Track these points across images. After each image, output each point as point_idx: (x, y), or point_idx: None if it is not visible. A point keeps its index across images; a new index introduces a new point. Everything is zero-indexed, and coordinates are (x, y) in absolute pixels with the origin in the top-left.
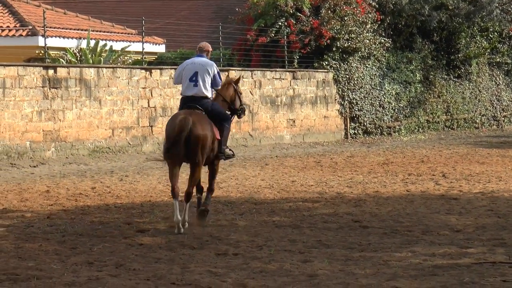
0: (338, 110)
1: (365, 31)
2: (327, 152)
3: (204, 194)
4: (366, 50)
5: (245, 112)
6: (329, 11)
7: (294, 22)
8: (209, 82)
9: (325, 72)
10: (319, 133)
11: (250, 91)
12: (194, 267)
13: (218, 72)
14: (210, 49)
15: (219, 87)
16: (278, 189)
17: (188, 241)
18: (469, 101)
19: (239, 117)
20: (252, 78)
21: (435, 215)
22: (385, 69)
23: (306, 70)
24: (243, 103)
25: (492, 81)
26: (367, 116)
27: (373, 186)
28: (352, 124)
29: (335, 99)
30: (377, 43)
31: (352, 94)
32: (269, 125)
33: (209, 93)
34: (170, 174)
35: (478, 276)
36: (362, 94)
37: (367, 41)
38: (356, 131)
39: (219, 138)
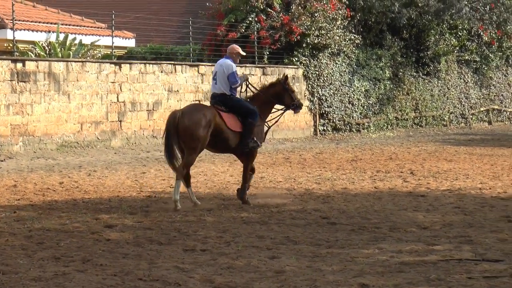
0: (308, 106)
1: (335, 28)
2: (296, 149)
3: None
4: (336, 47)
5: (300, 107)
6: (300, 7)
7: (265, 17)
8: (226, 81)
9: (295, 68)
10: (288, 129)
11: None
12: (161, 263)
13: (232, 72)
14: (235, 51)
15: (235, 85)
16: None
17: (156, 236)
18: (437, 99)
19: (294, 111)
20: None
21: (403, 212)
22: (355, 66)
23: (276, 66)
24: (295, 99)
25: (460, 79)
26: (336, 113)
27: (342, 183)
28: (321, 120)
29: (305, 96)
30: (347, 39)
31: (321, 91)
32: None
33: (226, 90)
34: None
35: (444, 273)
36: (332, 91)
37: (337, 37)
38: (325, 128)
39: (238, 130)
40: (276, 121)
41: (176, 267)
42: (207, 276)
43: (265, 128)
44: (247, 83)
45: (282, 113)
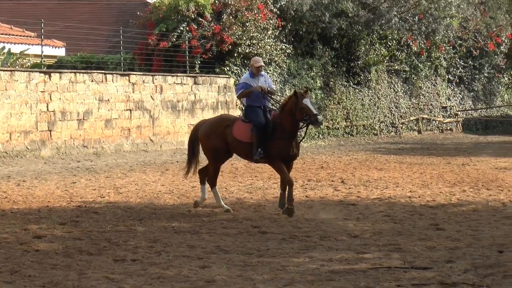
0: (239, 116)
1: (266, 37)
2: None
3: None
4: (268, 56)
5: (318, 122)
6: (231, 17)
7: (196, 27)
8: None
9: (226, 77)
10: None
11: (151, 96)
12: (91, 273)
13: (239, 83)
14: (255, 64)
15: (236, 95)
16: (178, 195)
17: (86, 247)
18: (368, 108)
19: (314, 126)
20: (153, 83)
21: (333, 221)
22: (286, 75)
23: (208, 75)
24: (306, 115)
25: (390, 88)
26: None
27: (273, 192)
28: None
29: (236, 105)
30: (278, 49)
31: None
32: (170, 130)
33: (244, 101)
34: None
35: (374, 281)
36: None
37: (268, 47)
38: None
39: (247, 141)
40: (303, 137)
41: (106, 278)
42: (138, 286)
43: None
44: (261, 93)
45: (303, 127)
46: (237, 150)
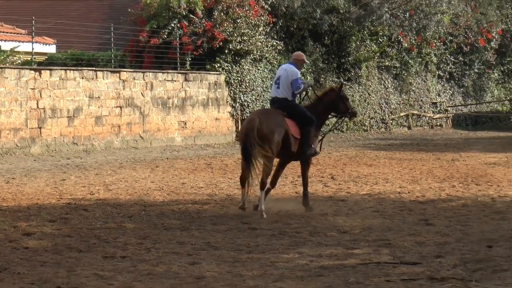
0: (230, 112)
1: (257, 34)
2: (218, 154)
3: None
4: (258, 53)
5: (356, 115)
6: (222, 13)
7: (187, 24)
8: (289, 85)
9: (217, 74)
10: (210, 135)
11: (141, 93)
12: (80, 270)
13: (296, 78)
14: (300, 58)
15: (298, 91)
16: (168, 191)
17: (75, 244)
18: (358, 104)
19: (350, 119)
20: (144, 80)
21: (323, 217)
22: None
23: (198, 72)
24: (350, 107)
25: (381, 84)
26: None
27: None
28: None
29: (227, 101)
30: (269, 45)
31: (243, 97)
32: (160, 127)
33: (289, 95)
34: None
35: (363, 277)
36: (254, 97)
37: (259, 43)
38: None
39: (298, 137)
40: (331, 129)
41: (95, 275)
42: (127, 283)
43: (319, 137)
44: (309, 89)
45: (338, 121)
46: (289, 148)
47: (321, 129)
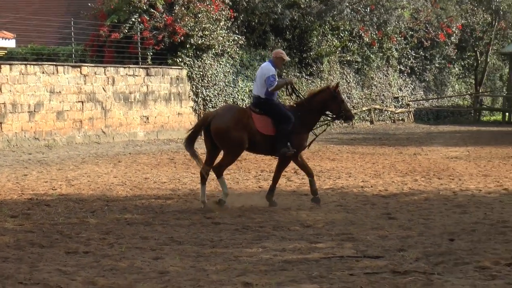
0: (192, 107)
1: (218, 28)
2: (181, 149)
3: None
4: (220, 47)
5: (351, 118)
6: (183, 8)
7: (148, 18)
8: (263, 83)
9: (179, 69)
10: (173, 130)
11: (103, 88)
12: (42, 266)
13: (269, 76)
14: (277, 55)
15: (271, 88)
16: (131, 186)
17: (38, 239)
18: None
19: (344, 122)
20: (105, 75)
21: (286, 211)
22: (239, 67)
23: (160, 66)
24: (343, 109)
25: (342, 79)
26: None
27: (226, 183)
28: None
29: (189, 96)
30: (231, 40)
31: (206, 91)
32: (123, 122)
33: (262, 93)
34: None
35: (326, 270)
36: (216, 91)
37: (221, 38)
38: None
39: (270, 134)
40: (324, 130)
41: (58, 270)
42: (90, 278)
43: (313, 136)
44: (291, 87)
45: (329, 122)
46: (257, 144)
47: (315, 129)
